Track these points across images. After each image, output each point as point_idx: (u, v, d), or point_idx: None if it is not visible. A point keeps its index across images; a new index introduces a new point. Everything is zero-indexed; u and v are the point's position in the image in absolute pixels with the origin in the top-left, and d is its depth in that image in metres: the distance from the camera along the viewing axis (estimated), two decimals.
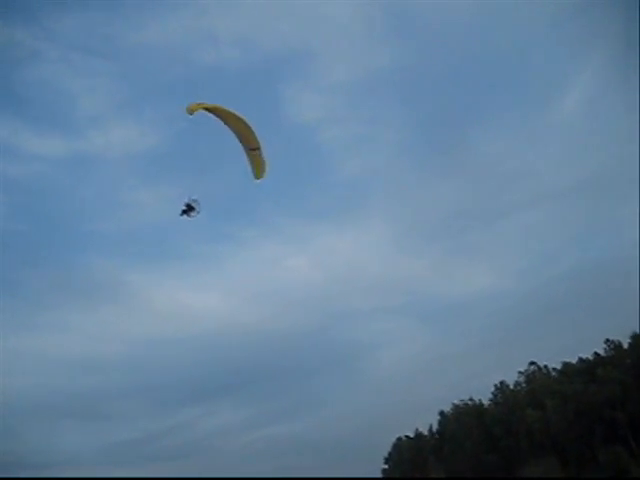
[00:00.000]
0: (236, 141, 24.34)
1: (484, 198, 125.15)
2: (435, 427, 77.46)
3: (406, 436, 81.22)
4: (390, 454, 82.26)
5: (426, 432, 78.47)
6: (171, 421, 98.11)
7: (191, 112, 22.69)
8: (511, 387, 71.37)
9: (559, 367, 68.17)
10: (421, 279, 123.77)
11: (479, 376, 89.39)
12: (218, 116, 23.42)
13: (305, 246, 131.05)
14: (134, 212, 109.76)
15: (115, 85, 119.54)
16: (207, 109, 22.98)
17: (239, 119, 23.43)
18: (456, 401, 75.78)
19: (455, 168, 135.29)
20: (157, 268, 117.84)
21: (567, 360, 68.05)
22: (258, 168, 25.06)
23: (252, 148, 24.37)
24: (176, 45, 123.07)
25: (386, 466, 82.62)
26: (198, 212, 24.41)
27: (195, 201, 24.32)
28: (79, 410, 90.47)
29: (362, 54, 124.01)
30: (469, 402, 74.55)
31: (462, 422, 71.54)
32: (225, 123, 23.66)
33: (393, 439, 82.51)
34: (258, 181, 25.40)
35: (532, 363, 70.64)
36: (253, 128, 23.35)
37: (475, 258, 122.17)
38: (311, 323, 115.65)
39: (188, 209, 24.37)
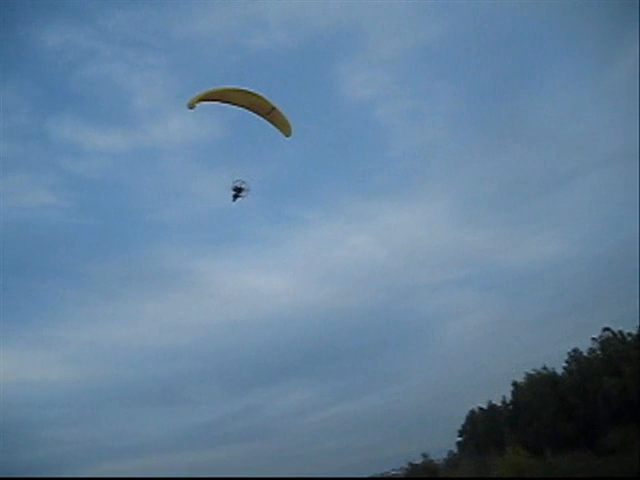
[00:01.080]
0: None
1: (545, 164, 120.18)
2: (509, 398, 75.95)
3: (479, 408, 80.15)
4: (464, 427, 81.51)
5: (499, 403, 77.17)
6: (245, 403, 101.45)
7: (192, 107, 22.79)
8: (585, 354, 68.85)
9: (635, 332, 64.97)
10: (485, 250, 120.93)
11: (551, 345, 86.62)
12: (221, 99, 23.54)
13: (367, 223, 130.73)
14: (197, 199, 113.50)
15: (170, 77, 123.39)
16: (205, 99, 22.92)
17: (240, 91, 23.35)
18: (529, 371, 73.98)
19: (513, 136, 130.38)
20: (223, 253, 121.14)
21: None
22: (284, 126, 25.13)
23: (268, 112, 24.59)
24: (227, 33, 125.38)
25: (460, 439, 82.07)
26: (248, 190, 24.70)
27: (239, 181, 24.67)
28: (156, 396, 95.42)
29: (411, 27, 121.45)
30: (542, 371, 72.46)
31: (536, 392, 69.72)
32: (231, 102, 23.86)
33: (466, 412, 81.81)
34: (288, 138, 25.38)
35: (606, 329, 67.52)
36: (260, 93, 23.69)
37: (539, 226, 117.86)
38: (376, 299, 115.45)
39: (237, 192, 24.73)
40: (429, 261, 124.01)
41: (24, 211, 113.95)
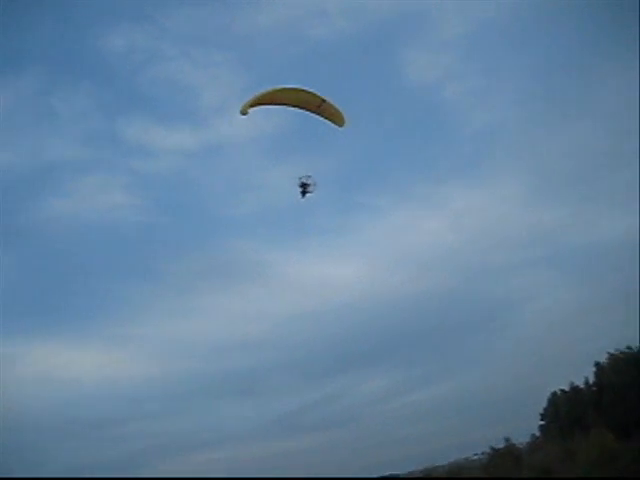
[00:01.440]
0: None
1: (619, 138, 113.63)
2: (591, 379, 73.30)
3: (561, 390, 77.75)
4: (546, 409, 79.30)
5: (582, 385, 74.57)
6: (323, 392, 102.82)
7: (245, 113, 23.44)
8: None
9: None
10: (561, 229, 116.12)
11: (633, 324, 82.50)
12: (271, 102, 23.91)
13: (439, 207, 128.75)
14: (267, 192, 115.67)
15: (235, 73, 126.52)
16: (256, 104, 23.42)
17: (288, 89, 23.88)
18: (612, 351, 71.04)
19: (585, 110, 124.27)
20: (295, 244, 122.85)
21: None
22: (337, 117, 25.29)
23: (319, 105, 24.76)
24: (288, 25, 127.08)
25: (543, 422, 79.96)
26: (315, 184, 25.15)
27: (305, 177, 25.11)
28: (237, 388, 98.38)
29: (473, 6, 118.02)
30: (626, 351, 69.48)
31: (620, 372, 67.09)
32: (281, 103, 24.23)
33: (547, 394, 79.52)
34: (342, 128, 25.51)
35: None
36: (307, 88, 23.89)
37: (617, 201, 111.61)
38: (451, 283, 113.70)
39: (304, 188, 25.21)
40: (503, 242, 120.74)
41: (99, 212, 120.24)
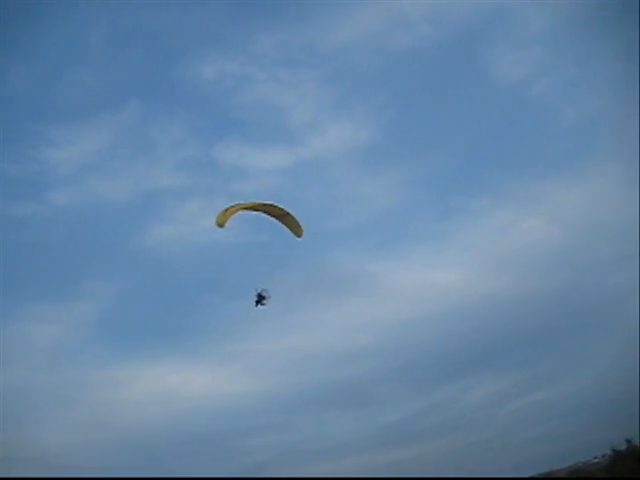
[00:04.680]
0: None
1: None
2: None
3: None
4: None
5: None
6: (433, 399, 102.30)
7: (221, 225, 26.52)
8: None
9: None
10: None
11: None
12: (244, 210, 27.57)
13: (538, 205, 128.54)
14: (364, 204, 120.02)
15: (323, 89, 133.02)
16: (231, 214, 26.65)
17: (259, 204, 27.78)
18: None
19: None
20: (395, 253, 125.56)
21: None
22: (295, 228, 28.97)
23: (282, 215, 28.93)
24: (370, 37, 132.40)
25: None
26: (270, 298, 28.44)
27: (262, 289, 28.34)
28: (345, 399, 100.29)
29: None
30: None
31: None
32: (253, 211, 28.20)
33: None
34: (299, 239, 29.58)
35: None
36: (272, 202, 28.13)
37: None
38: (557, 281, 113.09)
39: (260, 299, 28.35)
40: (608, 235, 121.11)
41: (202, 235, 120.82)
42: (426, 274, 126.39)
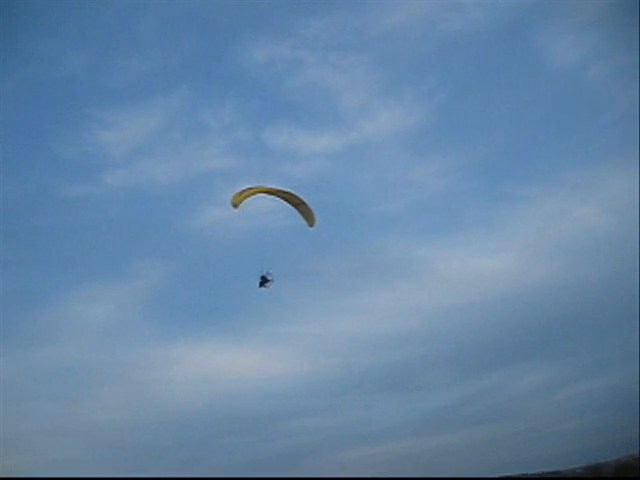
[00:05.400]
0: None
1: None
2: None
3: None
4: None
5: None
6: (478, 386, 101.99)
7: (236, 205, 26.83)
8: None
9: None
10: None
11: None
12: (260, 193, 27.40)
13: (590, 193, 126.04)
14: (414, 188, 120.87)
15: (373, 73, 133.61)
16: (248, 196, 26.95)
17: (275, 189, 27.80)
18: None
19: None
20: (444, 239, 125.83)
21: None
22: (309, 217, 29.30)
23: (297, 204, 29.00)
24: (422, 22, 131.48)
25: None
26: (273, 281, 28.58)
27: (267, 272, 28.52)
28: (390, 383, 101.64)
29: None
30: None
31: None
32: (270, 194, 28.26)
33: None
34: (312, 228, 29.59)
35: None
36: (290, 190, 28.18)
37: None
38: (609, 269, 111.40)
39: (264, 281, 28.54)
40: None
41: (252, 219, 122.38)
42: (474, 260, 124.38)
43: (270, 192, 28.33)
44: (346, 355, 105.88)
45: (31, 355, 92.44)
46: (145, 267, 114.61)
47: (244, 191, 27.56)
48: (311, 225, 28.99)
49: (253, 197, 28.18)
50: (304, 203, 28.49)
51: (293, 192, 28.36)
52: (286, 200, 28.81)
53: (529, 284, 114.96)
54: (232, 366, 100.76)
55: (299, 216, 29.31)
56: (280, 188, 28.29)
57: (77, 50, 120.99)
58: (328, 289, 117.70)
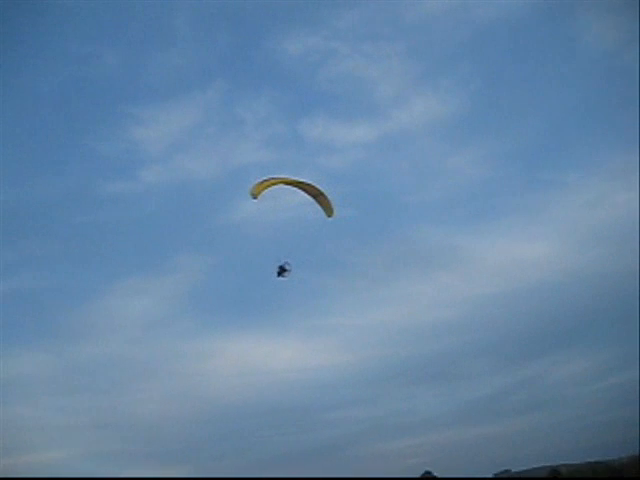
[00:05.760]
0: None
1: None
2: None
3: None
4: None
5: None
6: (519, 375, 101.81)
7: (255, 196, 27.00)
8: None
9: None
10: None
11: None
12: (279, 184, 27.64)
13: (632, 178, 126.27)
14: (451, 177, 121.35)
15: (407, 63, 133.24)
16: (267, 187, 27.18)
17: (295, 181, 28.09)
18: None
19: None
20: (483, 227, 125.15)
21: None
22: (327, 208, 29.75)
23: (315, 195, 29.35)
24: (455, 9, 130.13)
25: None
26: (291, 271, 28.78)
27: (285, 262, 28.78)
28: (431, 374, 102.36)
29: None
30: None
31: None
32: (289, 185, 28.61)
33: None
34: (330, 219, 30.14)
35: None
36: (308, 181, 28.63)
37: None
38: None
39: (281, 271, 28.82)
40: None
41: (288, 211, 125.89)
42: (514, 248, 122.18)
43: (289, 183, 28.61)
44: (386, 346, 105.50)
45: (75, 350, 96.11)
46: (184, 261, 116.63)
47: (263, 182, 27.89)
48: (330, 216, 29.18)
49: (272, 188, 28.60)
50: (323, 194, 28.66)
51: (312, 183, 28.57)
52: (305, 191, 29.04)
53: (569, 271, 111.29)
54: (271, 359, 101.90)
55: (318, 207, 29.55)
56: (299, 179, 28.59)
57: (112, 48, 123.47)
58: (367, 280, 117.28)
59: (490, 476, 76.42)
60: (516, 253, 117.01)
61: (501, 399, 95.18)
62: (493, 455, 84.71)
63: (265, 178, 28.01)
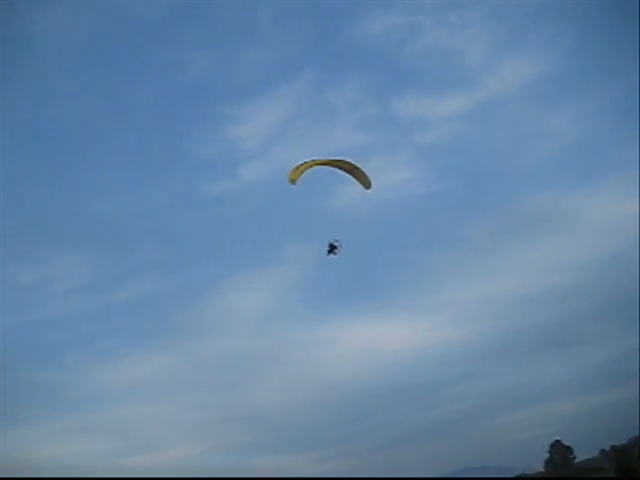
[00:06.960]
0: None
1: None
2: None
3: None
4: None
5: None
6: None
7: (293, 181, 27.69)
8: None
9: None
10: None
11: None
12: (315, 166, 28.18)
13: None
14: (551, 139, 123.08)
15: (492, 27, 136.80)
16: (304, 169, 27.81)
17: (330, 160, 28.60)
18: None
19: None
20: (589, 187, 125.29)
21: None
22: (364, 181, 29.70)
23: (351, 170, 29.98)
24: None
25: None
26: (341, 248, 29.26)
27: (335, 240, 29.35)
28: (549, 341, 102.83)
29: None
30: None
31: None
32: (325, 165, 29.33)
33: None
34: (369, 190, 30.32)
35: None
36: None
37: None
38: None
39: (332, 248, 29.42)
40: None
41: (387, 191, 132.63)
42: (626, 204, 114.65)
43: (324, 163, 29.42)
44: (499, 317, 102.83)
45: (196, 348, 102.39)
46: (291, 251, 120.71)
47: (299, 167, 28.91)
48: (367, 188, 29.70)
49: (309, 170, 29.61)
50: (357, 167, 29.25)
51: (345, 159, 29.26)
52: (340, 168, 29.62)
53: None
54: (387, 340, 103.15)
55: (356, 182, 30.09)
56: (332, 158, 29.39)
57: (200, 52, 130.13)
58: (474, 252, 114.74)
59: (624, 442, 71.69)
60: (630, 209, 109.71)
61: (626, 361, 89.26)
62: (626, 420, 79.33)
63: (300, 163, 29.03)
